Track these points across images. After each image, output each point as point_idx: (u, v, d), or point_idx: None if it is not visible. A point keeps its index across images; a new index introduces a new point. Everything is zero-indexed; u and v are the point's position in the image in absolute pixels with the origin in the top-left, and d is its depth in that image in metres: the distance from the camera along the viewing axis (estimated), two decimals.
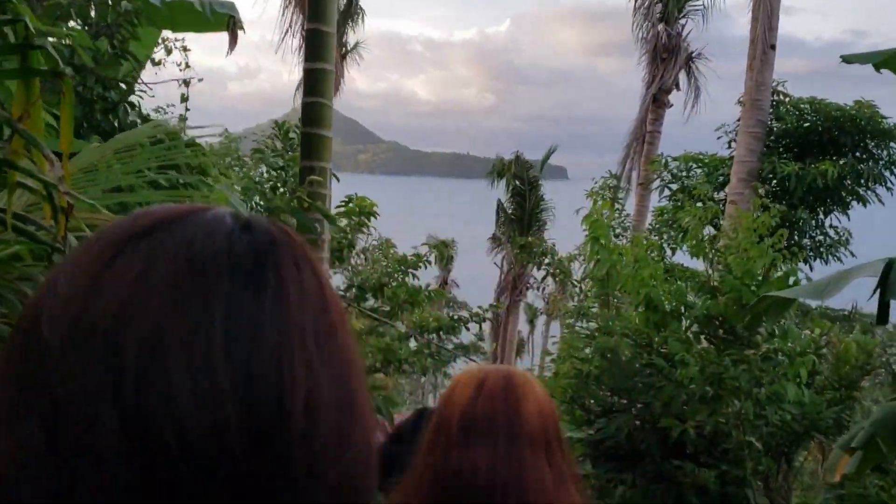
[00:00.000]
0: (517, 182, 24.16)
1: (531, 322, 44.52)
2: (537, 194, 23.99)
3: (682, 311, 6.65)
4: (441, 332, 6.66)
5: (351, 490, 0.53)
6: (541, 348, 29.00)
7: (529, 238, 19.54)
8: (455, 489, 1.27)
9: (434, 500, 1.29)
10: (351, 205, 7.15)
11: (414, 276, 6.63)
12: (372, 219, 12.50)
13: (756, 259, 6.13)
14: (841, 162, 10.12)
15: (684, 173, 11.91)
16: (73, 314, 0.49)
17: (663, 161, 12.33)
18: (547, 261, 18.18)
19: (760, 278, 6.20)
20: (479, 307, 6.69)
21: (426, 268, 7.02)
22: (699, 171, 11.62)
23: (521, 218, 24.00)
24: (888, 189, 10.49)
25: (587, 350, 7.24)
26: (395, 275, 6.61)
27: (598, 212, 7.09)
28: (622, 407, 6.67)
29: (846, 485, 4.11)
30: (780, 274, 6.11)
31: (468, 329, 6.73)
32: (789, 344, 5.46)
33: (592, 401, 7.11)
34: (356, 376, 0.56)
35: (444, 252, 41.43)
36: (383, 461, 1.48)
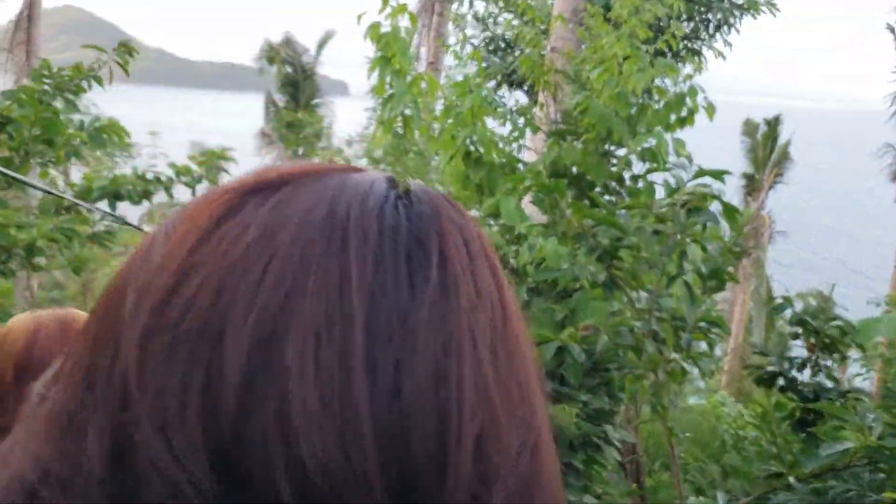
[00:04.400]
0: (289, 69, 20.74)
1: None
2: (313, 84, 20.76)
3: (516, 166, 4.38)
4: (119, 201, 3.83)
5: None
6: None
7: (299, 114, 16.43)
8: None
9: None
10: None
11: (70, 100, 3.72)
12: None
13: (633, 76, 3.93)
14: None
15: (491, 20, 9.70)
16: (163, 289, 0.36)
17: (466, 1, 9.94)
18: (322, 144, 15.31)
19: (638, 107, 4.04)
20: (193, 156, 3.96)
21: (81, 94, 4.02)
22: (512, 18, 9.37)
23: (295, 111, 20.77)
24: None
25: None
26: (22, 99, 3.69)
27: (393, 16, 4.50)
28: None
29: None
30: (669, 98, 3.96)
31: (170, 195, 3.97)
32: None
33: None
34: (537, 395, 0.40)
35: (213, 163, 37.10)
36: None
